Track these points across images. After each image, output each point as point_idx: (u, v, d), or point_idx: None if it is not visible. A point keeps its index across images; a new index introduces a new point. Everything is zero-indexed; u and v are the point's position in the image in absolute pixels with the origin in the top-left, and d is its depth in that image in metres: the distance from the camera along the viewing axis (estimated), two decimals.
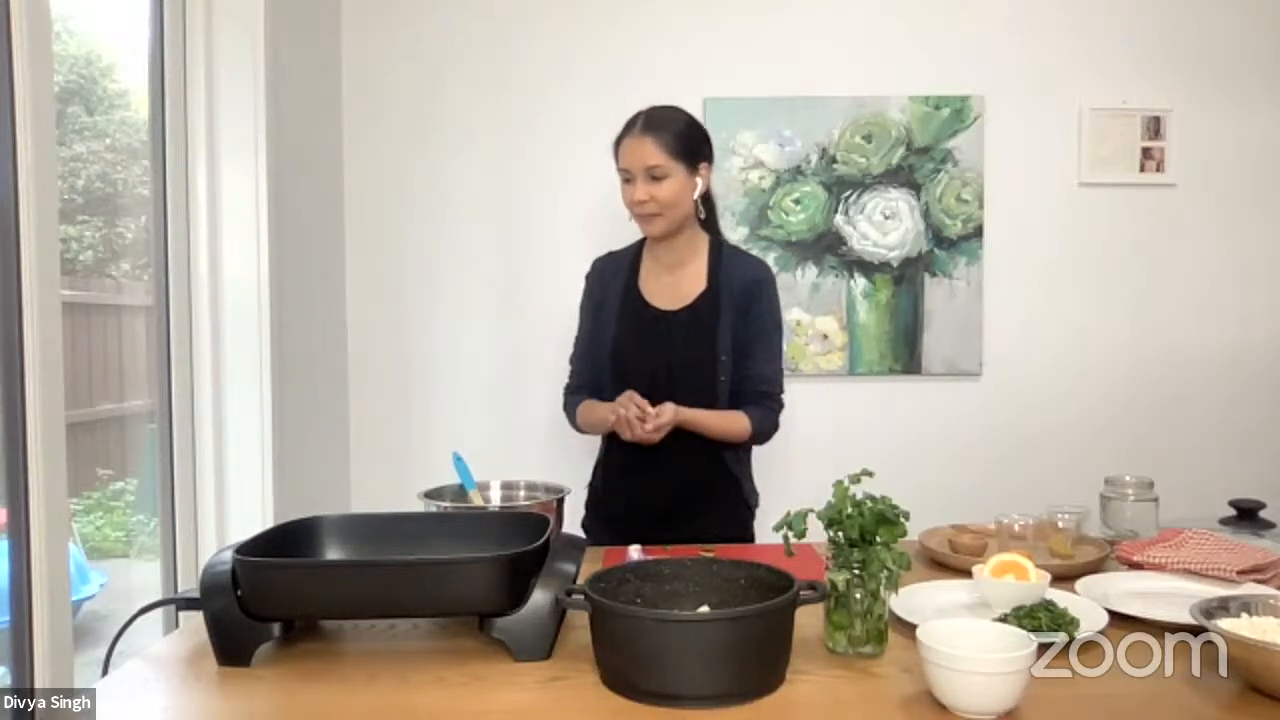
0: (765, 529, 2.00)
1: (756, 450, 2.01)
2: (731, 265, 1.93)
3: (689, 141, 1.85)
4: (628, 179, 1.85)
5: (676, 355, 1.87)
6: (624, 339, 1.91)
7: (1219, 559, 1.48)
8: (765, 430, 1.92)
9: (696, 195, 1.88)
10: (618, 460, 1.95)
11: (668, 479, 1.88)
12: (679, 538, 1.72)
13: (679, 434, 1.82)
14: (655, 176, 1.81)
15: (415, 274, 2.77)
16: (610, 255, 2.03)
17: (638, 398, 1.76)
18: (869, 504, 1.18)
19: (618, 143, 1.87)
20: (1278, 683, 1.01)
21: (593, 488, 2.01)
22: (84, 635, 1.78)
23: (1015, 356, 2.82)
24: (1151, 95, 2.79)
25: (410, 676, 1.12)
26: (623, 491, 1.95)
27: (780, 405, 1.94)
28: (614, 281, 1.97)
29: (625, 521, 1.88)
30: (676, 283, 1.93)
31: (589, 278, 2.03)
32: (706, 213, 1.96)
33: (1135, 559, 1.54)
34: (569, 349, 2.04)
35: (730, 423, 1.87)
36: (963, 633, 1.06)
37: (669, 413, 1.76)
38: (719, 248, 1.96)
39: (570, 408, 2.00)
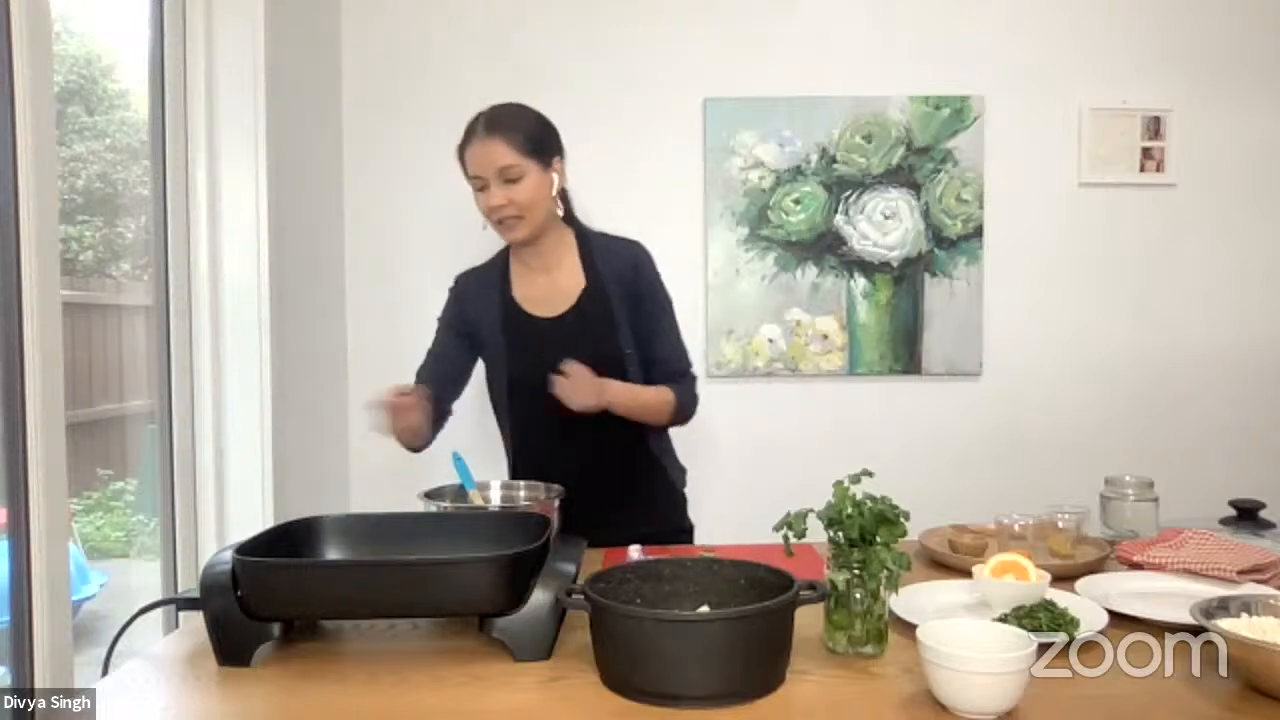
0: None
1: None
2: (606, 255, 1.83)
3: (538, 138, 1.74)
4: (481, 186, 1.73)
5: (576, 361, 1.70)
6: (516, 360, 1.80)
7: (1219, 559, 1.48)
8: (687, 404, 1.83)
9: (554, 192, 1.77)
10: (528, 458, 1.84)
11: (589, 474, 1.74)
12: (613, 538, 1.64)
13: (591, 423, 1.70)
14: (510, 178, 1.70)
15: (416, 273, 2.77)
16: (472, 271, 1.90)
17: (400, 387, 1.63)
18: (869, 504, 1.18)
19: (461, 150, 1.75)
20: (1278, 683, 1.01)
21: None
22: (84, 635, 1.78)
23: (1015, 356, 2.82)
24: (1151, 95, 2.79)
25: (410, 676, 1.12)
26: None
27: (694, 379, 1.85)
28: (485, 300, 1.84)
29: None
30: (553, 284, 1.82)
31: (454, 295, 1.90)
32: (565, 206, 1.84)
33: (1135, 559, 1.54)
34: None
35: (656, 395, 1.77)
36: (963, 633, 1.06)
37: (582, 372, 1.62)
38: (586, 239, 1.85)
39: None
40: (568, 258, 1.84)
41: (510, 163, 1.70)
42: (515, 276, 1.86)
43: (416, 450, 1.82)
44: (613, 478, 1.82)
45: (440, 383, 1.83)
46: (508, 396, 1.84)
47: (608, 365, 1.72)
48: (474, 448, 1.85)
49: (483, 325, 1.84)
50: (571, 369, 1.63)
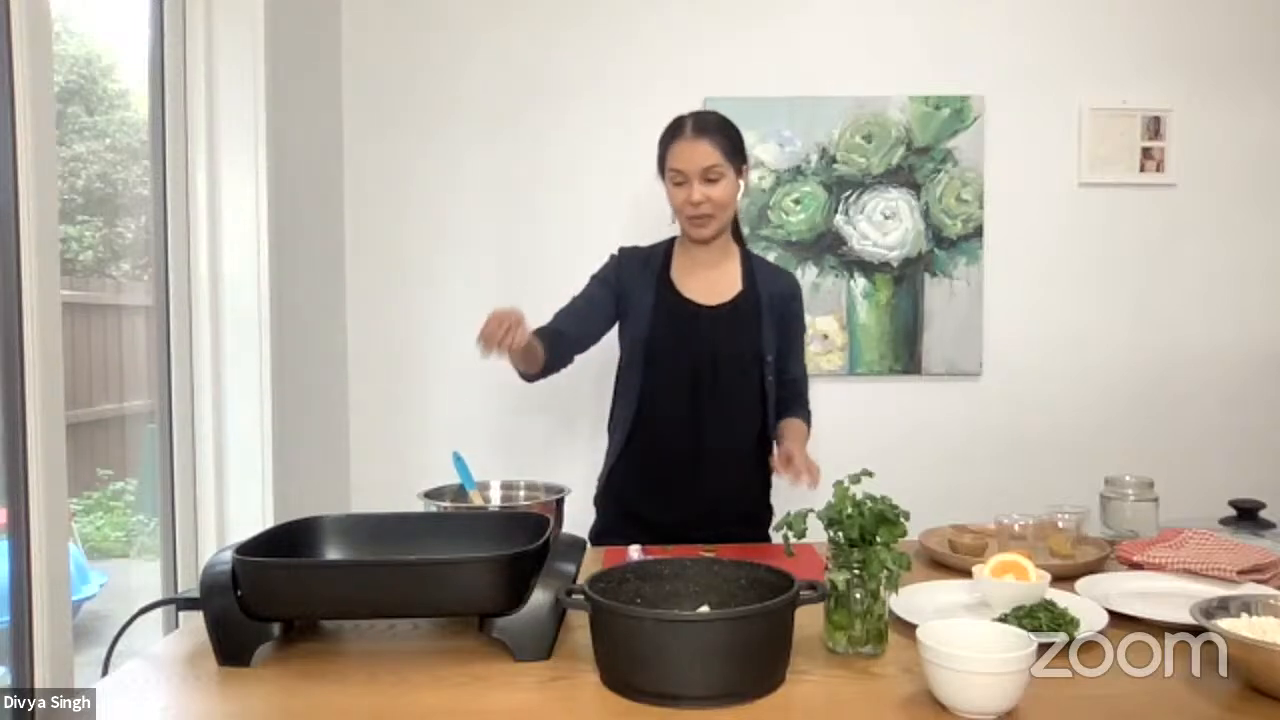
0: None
1: None
2: (764, 274, 1.98)
3: (736, 143, 1.88)
4: (679, 181, 1.84)
5: (721, 350, 1.88)
6: (661, 332, 1.89)
7: (1219, 559, 1.48)
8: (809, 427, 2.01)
9: (740, 196, 1.91)
10: (646, 421, 1.90)
11: (695, 455, 1.87)
12: (707, 538, 1.71)
13: (718, 438, 1.86)
14: (711, 178, 1.83)
15: (415, 273, 2.77)
16: (636, 249, 2.00)
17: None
18: (869, 504, 1.18)
19: (666, 145, 1.87)
20: (1278, 683, 1.01)
21: (609, 488, 1.96)
22: (84, 635, 1.78)
23: (1015, 356, 2.81)
24: (1151, 95, 2.79)
25: (410, 676, 1.12)
26: (657, 495, 1.89)
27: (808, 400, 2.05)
28: (643, 275, 1.94)
29: (656, 527, 1.82)
30: (713, 280, 1.94)
31: (615, 260, 1.99)
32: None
33: (1135, 559, 1.54)
34: None
35: (807, 429, 1.96)
36: (963, 633, 1.06)
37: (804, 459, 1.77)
38: (749, 255, 2.00)
39: None
40: (730, 263, 1.97)
41: (715, 162, 1.82)
42: (677, 266, 1.96)
43: (532, 378, 1.86)
44: (718, 463, 1.90)
45: (573, 319, 1.91)
46: (644, 366, 1.90)
47: (747, 362, 1.90)
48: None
49: (634, 296, 1.93)
50: (792, 453, 1.76)
